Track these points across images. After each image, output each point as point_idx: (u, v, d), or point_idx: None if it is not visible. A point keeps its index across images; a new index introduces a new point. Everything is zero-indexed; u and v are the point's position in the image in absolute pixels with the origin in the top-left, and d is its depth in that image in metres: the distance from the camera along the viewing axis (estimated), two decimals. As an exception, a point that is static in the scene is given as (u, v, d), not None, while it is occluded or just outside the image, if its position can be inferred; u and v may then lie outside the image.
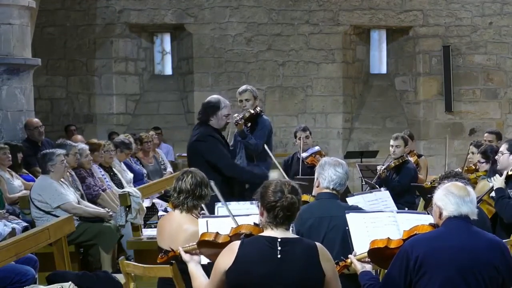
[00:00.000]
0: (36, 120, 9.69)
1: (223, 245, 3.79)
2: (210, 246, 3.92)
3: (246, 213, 4.64)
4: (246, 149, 7.26)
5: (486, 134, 9.43)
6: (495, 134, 9.29)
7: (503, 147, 6.64)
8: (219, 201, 5.19)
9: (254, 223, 3.77)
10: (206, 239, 3.94)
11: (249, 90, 7.54)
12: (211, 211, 5.17)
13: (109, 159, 8.96)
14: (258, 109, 7.49)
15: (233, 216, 4.29)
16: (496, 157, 6.71)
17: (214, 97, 6.96)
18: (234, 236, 3.82)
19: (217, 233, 3.94)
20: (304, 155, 8.80)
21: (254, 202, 5.14)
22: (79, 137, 10.69)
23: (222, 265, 3.56)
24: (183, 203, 4.82)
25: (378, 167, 8.53)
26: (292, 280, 3.51)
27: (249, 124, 7.38)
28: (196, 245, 4.01)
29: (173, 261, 4.36)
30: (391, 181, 8.33)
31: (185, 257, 4.04)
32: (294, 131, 9.13)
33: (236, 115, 7.37)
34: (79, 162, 8.22)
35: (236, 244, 3.58)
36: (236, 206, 5.27)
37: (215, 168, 6.54)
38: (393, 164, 8.45)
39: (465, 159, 8.93)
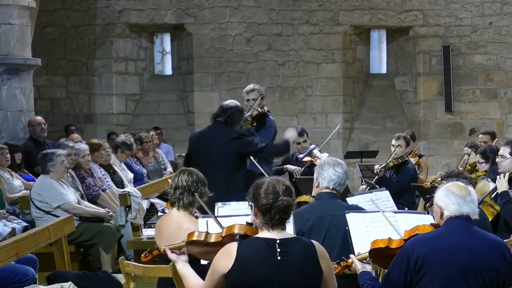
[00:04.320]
0: (39, 117, 9.72)
1: (215, 244, 3.76)
2: (201, 245, 3.89)
3: (246, 213, 4.64)
4: None
5: (480, 135, 9.44)
6: (490, 135, 9.30)
7: (505, 151, 6.51)
8: (219, 201, 5.21)
9: (247, 222, 3.72)
10: (195, 239, 3.89)
11: (257, 90, 7.56)
12: (212, 211, 5.16)
13: (108, 156, 8.93)
14: (265, 108, 7.51)
15: (216, 217, 4.24)
16: (497, 160, 6.62)
17: (238, 104, 7.06)
18: (227, 237, 3.77)
19: (207, 232, 3.90)
20: (300, 156, 8.77)
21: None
22: (75, 135, 10.68)
23: (221, 268, 3.51)
24: (179, 198, 4.81)
25: (376, 166, 8.45)
26: (293, 280, 3.50)
27: (255, 123, 7.41)
28: (183, 243, 3.95)
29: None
30: (389, 181, 8.28)
31: (172, 256, 3.98)
32: None
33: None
34: (77, 162, 8.20)
35: (233, 246, 3.52)
36: (236, 206, 5.28)
37: (244, 161, 6.89)
38: (391, 164, 8.40)
39: (460, 160, 8.94)
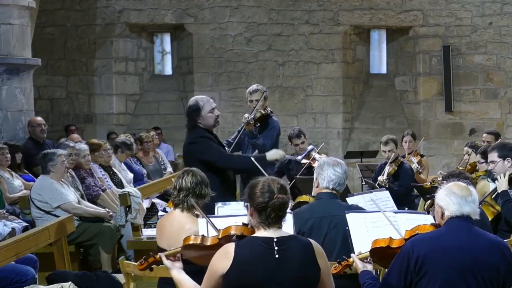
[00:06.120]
0: (39, 118, 9.72)
1: (212, 247, 3.73)
2: (197, 248, 3.85)
3: (246, 213, 4.63)
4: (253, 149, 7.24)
5: (484, 135, 9.38)
6: (494, 135, 9.24)
7: (493, 156, 6.34)
8: (219, 201, 5.19)
9: (243, 223, 3.71)
10: (192, 242, 3.84)
11: (260, 91, 7.51)
12: (211, 211, 5.16)
13: (108, 157, 8.94)
14: (268, 109, 7.48)
15: (212, 223, 4.15)
16: (489, 167, 6.54)
17: (192, 100, 6.55)
18: (224, 238, 3.75)
19: (203, 235, 3.87)
20: (299, 157, 8.74)
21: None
22: (75, 135, 10.69)
23: (219, 268, 3.51)
24: (183, 201, 4.80)
25: (379, 178, 8.32)
26: (291, 278, 3.50)
27: (258, 124, 7.35)
28: (179, 249, 3.90)
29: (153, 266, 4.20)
30: (394, 188, 8.14)
31: (167, 263, 3.90)
32: (289, 136, 8.66)
33: (246, 115, 7.34)
34: (77, 162, 8.20)
35: (231, 246, 3.53)
36: (236, 206, 5.27)
37: (212, 168, 6.13)
38: (392, 171, 8.36)
39: (460, 160, 8.92)
